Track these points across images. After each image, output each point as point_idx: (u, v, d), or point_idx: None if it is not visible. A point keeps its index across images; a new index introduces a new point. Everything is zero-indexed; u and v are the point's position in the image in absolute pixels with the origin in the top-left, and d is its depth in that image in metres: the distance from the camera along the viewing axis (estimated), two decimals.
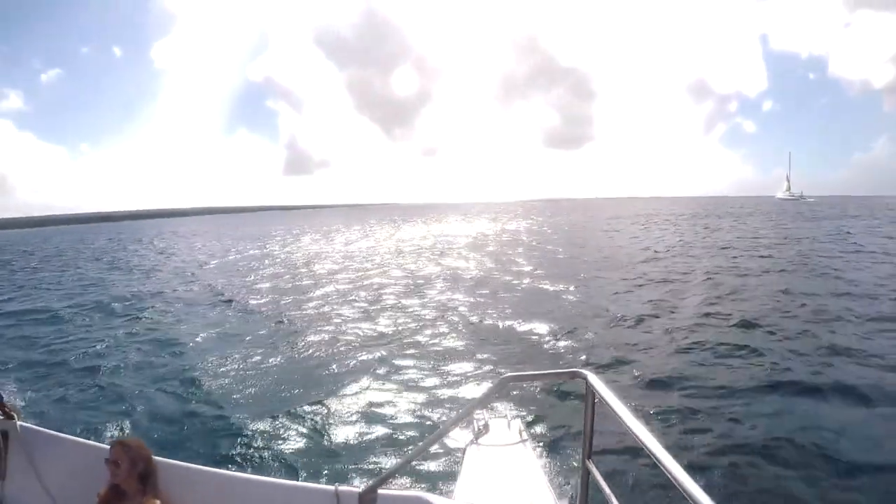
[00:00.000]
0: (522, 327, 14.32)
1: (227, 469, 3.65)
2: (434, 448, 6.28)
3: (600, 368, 10.51)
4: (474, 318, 15.69)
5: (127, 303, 21.19)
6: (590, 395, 2.50)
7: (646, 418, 8.21)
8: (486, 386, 9.91)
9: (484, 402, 3.15)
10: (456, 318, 15.78)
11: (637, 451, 6.70)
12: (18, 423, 3.89)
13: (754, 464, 7.07)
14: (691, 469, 1.71)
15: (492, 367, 10.96)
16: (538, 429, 7.99)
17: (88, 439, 3.99)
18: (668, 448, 1.87)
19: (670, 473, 1.71)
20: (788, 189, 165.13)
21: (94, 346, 14.26)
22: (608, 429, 7.10)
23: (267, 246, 49.65)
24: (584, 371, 2.56)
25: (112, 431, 8.44)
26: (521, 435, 4.17)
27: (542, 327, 14.14)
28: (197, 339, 14.60)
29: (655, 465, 1.80)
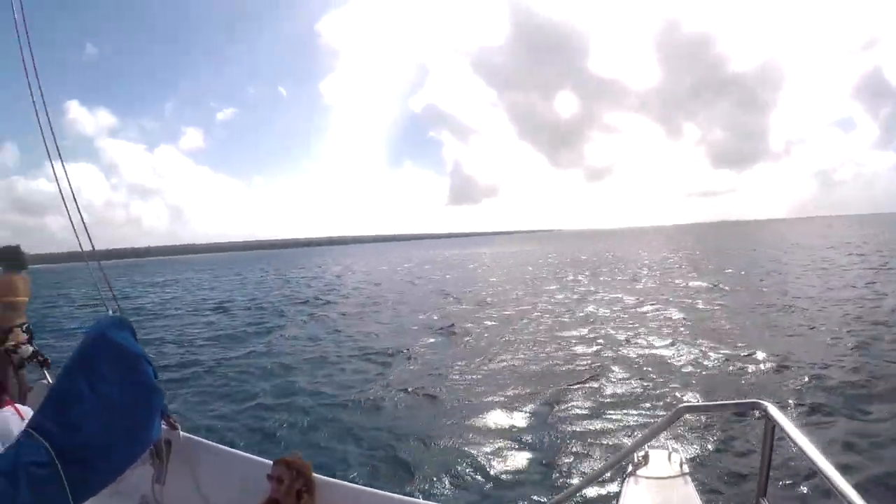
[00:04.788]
0: None
1: (386, 490, 3.59)
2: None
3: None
4: None
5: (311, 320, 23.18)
6: (769, 428, 2.29)
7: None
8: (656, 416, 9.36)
9: (657, 432, 2.89)
10: None
11: (823, 492, 6.09)
12: (181, 433, 4.05)
13: None
14: None
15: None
16: (700, 462, 7.36)
17: (248, 453, 4.12)
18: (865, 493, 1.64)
19: None
20: None
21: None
22: (787, 465, 6.57)
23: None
24: (765, 402, 2.32)
25: (273, 446, 8.85)
26: (681, 468, 3.84)
27: None
28: (386, 359, 15.15)
29: None
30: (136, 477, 3.75)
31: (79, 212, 3.50)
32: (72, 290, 51.85)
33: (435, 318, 21.98)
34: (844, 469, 6.94)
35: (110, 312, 3.51)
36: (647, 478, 3.75)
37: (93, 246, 3.62)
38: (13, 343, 6.84)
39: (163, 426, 3.85)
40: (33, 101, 3.47)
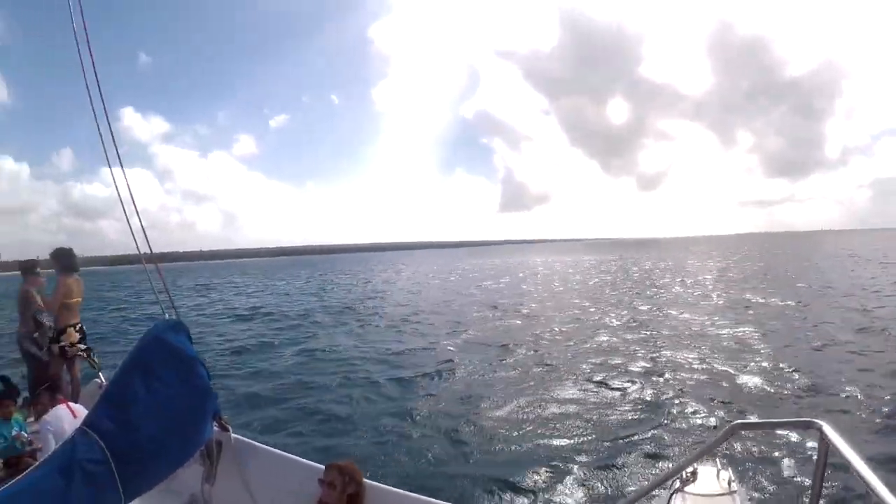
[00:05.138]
0: None
1: (436, 498, 3.59)
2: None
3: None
4: None
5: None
6: (823, 447, 2.21)
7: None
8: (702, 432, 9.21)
9: (710, 449, 2.83)
10: None
11: None
12: (232, 434, 4.11)
13: None
14: None
15: None
16: (751, 480, 7.18)
17: (299, 457, 4.17)
18: None
19: None
20: None
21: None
22: (840, 487, 6.34)
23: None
24: (820, 421, 2.25)
25: (322, 448, 8.89)
26: (729, 486, 3.77)
27: None
28: (441, 366, 15.07)
29: None
30: (186, 476, 3.82)
31: (137, 215, 3.56)
32: (110, 293, 52.58)
33: (476, 333, 21.20)
34: None
35: (167, 316, 3.55)
36: (695, 495, 3.69)
37: (150, 249, 3.67)
38: (66, 343, 7.06)
39: (214, 427, 3.93)
40: (92, 107, 3.53)
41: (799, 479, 7.15)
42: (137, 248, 3.57)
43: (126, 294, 51.08)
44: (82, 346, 7.28)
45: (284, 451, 4.37)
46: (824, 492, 2.36)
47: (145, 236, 3.62)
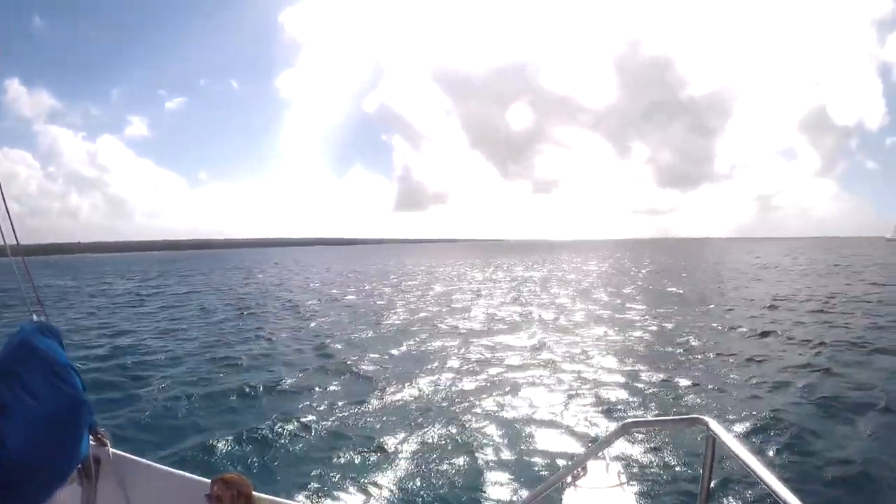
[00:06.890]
0: None
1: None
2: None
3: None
4: None
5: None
6: (710, 441, 2.41)
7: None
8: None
9: (602, 447, 2.97)
10: None
11: (764, 501, 6.26)
12: (111, 449, 3.78)
13: None
14: None
15: None
16: (643, 474, 7.57)
17: (183, 471, 3.86)
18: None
19: None
20: None
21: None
22: (728, 477, 6.77)
23: None
24: (706, 417, 2.45)
25: (206, 462, 8.37)
26: (619, 478, 3.88)
27: None
28: (307, 371, 14.56)
29: None
30: (62, 498, 3.44)
31: (3, 201, 3.09)
32: None
33: (331, 342, 19.01)
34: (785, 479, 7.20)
35: (34, 317, 3.14)
36: (585, 488, 3.82)
37: (17, 240, 3.22)
38: None
39: (91, 442, 3.54)
40: None
41: (689, 472, 7.52)
42: (2, 237, 3.11)
43: None
44: None
45: (168, 465, 4.05)
46: (713, 483, 2.47)
47: (11, 224, 3.17)
